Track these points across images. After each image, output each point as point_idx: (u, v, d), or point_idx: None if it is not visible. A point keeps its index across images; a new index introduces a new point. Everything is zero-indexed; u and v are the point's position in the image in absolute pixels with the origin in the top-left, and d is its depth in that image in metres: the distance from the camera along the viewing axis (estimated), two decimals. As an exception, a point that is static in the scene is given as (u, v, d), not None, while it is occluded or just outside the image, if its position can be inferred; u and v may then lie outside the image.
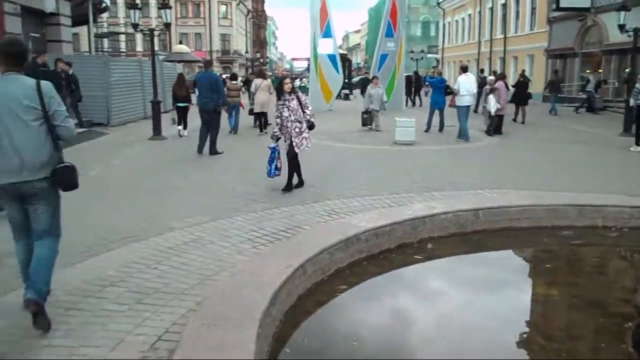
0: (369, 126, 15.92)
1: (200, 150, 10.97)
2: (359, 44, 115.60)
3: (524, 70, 24.08)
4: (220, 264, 4.67)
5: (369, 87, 16.97)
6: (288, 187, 7.58)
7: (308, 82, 50.59)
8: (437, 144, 13.06)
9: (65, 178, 3.67)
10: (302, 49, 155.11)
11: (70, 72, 13.61)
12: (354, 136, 14.46)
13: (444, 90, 15.84)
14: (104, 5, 24.31)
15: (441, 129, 15.35)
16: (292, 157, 7.61)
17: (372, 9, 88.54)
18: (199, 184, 8.26)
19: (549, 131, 16.06)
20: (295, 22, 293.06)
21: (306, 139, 7.65)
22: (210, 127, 10.93)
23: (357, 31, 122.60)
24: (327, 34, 23.96)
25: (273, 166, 7.56)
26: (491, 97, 13.95)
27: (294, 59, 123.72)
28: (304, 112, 7.61)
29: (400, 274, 5.30)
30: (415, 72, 31.29)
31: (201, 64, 49.50)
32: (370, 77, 23.46)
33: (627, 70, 21.71)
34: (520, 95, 17.86)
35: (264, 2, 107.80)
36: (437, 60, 52.14)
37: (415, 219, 5.82)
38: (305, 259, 4.49)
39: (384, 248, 5.45)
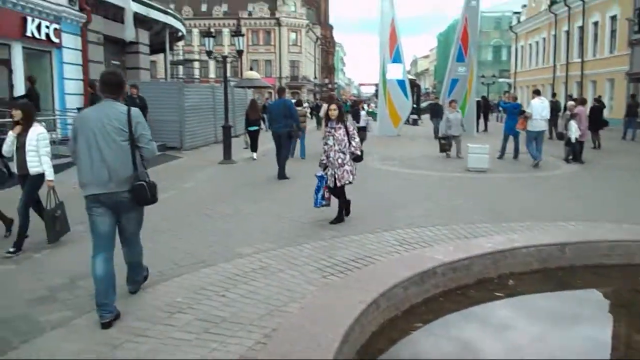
0: (448, 152, 15.34)
1: (280, 176, 11.12)
2: (427, 69, 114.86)
3: (599, 96, 22.90)
4: (290, 294, 4.51)
5: (446, 111, 16.46)
6: (337, 219, 7.17)
7: (376, 107, 51.20)
8: (512, 172, 12.51)
9: (143, 195, 4.15)
10: (370, 74, 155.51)
11: (135, 95, 14.00)
12: (425, 162, 14.11)
13: (518, 116, 15.29)
14: (180, 34, 25.35)
15: (516, 155, 14.75)
16: (333, 189, 7.18)
17: (442, 34, 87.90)
18: (267, 209, 8.20)
19: (631, 158, 15.12)
20: (364, 48, 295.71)
21: (348, 172, 7.10)
22: (281, 150, 11.28)
23: (426, 56, 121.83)
24: (396, 59, 23.82)
25: (319, 195, 7.10)
26: (572, 123, 13.27)
27: (361, 84, 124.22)
28: (349, 142, 7.13)
29: (479, 312, 4.94)
30: (484, 97, 30.47)
31: (271, 90, 50.78)
32: (442, 101, 23.09)
33: None
34: (595, 120, 16.95)
35: (332, 28, 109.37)
36: (509, 85, 50.79)
37: (494, 253, 5.45)
38: (378, 294, 4.25)
39: (461, 283, 5.11)
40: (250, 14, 67.84)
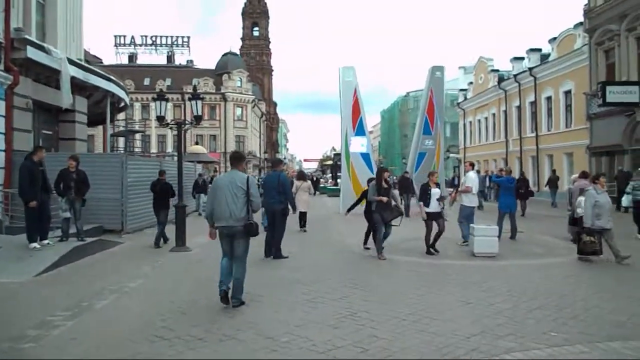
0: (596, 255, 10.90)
1: (268, 254, 10.40)
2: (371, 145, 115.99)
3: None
4: None
5: (591, 190, 10.71)
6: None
7: (327, 182, 49.68)
8: (523, 257, 10.58)
9: (251, 229, 6.54)
10: (311, 150, 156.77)
11: (73, 169, 11.51)
12: (415, 245, 12.06)
13: (514, 191, 13.75)
14: (123, 103, 23.03)
15: (513, 235, 13.03)
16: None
17: (385, 111, 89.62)
18: (257, 326, 5.80)
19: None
20: (305, 125, 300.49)
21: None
22: (275, 229, 10.43)
23: (369, 132, 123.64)
24: (360, 131, 22.34)
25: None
26: (583, 200, 11.67)
27: (305, 160, 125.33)
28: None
29: None
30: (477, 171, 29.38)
31: (216, 165, 48.47)
32: (412, 175, 21.53)
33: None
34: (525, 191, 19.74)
35: (276, 105, 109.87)
36: (459, 160, 50.80)
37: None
38: None
39: None
40: (194, 88, 66.00)
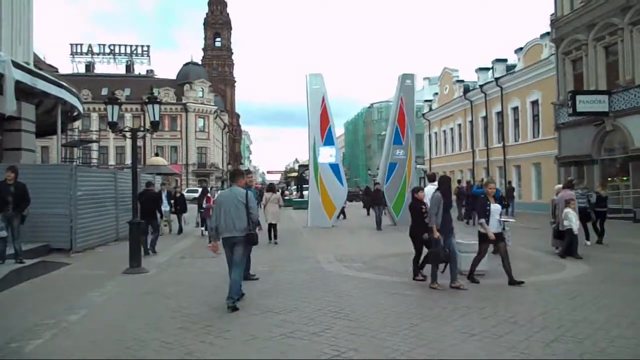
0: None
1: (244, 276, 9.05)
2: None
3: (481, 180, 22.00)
4: None
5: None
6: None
7: (292, 193, 48.53)
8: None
9: (251, 239, 7.25)
10: (275, 162, 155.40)
11: (11, 181, 10.24)
12: (395, 263, 11.13)
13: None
14: (76, 112, 21.53)
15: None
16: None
17: (349, 122, 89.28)
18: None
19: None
20: (269, 137, 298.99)
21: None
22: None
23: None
24: (328, 141, 21.39)
25: None
26: (570, 212, 11.01)
27: (269, 172, 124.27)
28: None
29: None
30: (468, 182, 28.39)
31: (177, 178, 46.66)
32: (383, 187, 20.69)
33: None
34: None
35: (239, 116, 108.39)
36: (424, 171, 50.45)
37: None
38: None
39: None
40: (151, 91, 63.98)
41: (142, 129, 10.76)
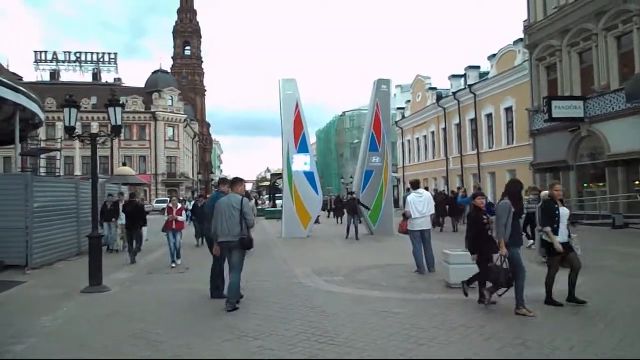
0: None
1: (216, 294, 8.30)
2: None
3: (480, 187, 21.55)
4: None
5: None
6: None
7: (264, 204, 47.59)
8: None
9: (244, 243, 7.62)
10: (246, 172, 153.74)
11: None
12: (378, 276, 10.46)
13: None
14: (37, 120, 20.41)
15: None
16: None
17: (321, 131, 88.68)
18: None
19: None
20: (240, 146, 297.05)
21: None
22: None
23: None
24: (303, 148, 20.71)
25: None
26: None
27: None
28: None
29: None
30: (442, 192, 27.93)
31: (146, 188, 45.21)
32: (358, 196, 20.07)
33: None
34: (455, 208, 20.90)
35: (209, 126, 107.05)
36: (397, 180, 50.15)
37: None
38: None
39: None
40: (112, 93, 62.36)
41: (102, 133, 9.87)
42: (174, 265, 12.48)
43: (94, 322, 7.19)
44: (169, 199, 13.93)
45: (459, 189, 26.29)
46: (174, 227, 12.80)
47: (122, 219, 15.02)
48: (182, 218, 13.22)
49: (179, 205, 13.56)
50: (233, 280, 7.55)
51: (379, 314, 7.10)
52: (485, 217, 7.80)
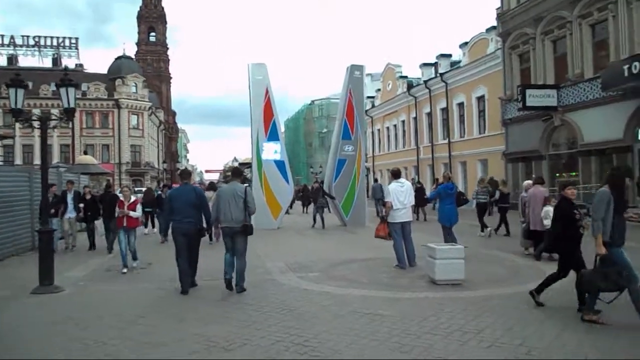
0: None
1: (186, 288, 8.11)
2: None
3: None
4: None
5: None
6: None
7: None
8: (493, 283, 8.53)
9: (247, 229, 8.06)
10: (213, 161, 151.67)
11: None
12: (358, 271, 9.81)
13: (455, 200, 11.83)
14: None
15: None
16: None
17: (290, 119, 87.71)
18: None
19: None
20: (206, 135, 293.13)
21: None
22: (190, 254, 8.43)
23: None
24: (273, 136, 19.90)
25: None
26: (550, 210, 10.00)
27: (207, 171, 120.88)
28: None
29: None
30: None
31: (109, 178, 43.60)
32: (328, 186, 19.45)
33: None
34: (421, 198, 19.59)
35: (175, 114, 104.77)
36: (368, 169, 49.67)
37: None
38: None
39: None
40: (84, 94, 60.58)
41: (53, 117, 8.88)
42: (125, 270, 10.27)
43: (40, 331, 6.29)
44: (125, 189, 11.65)
45: (436, 179, 26.05)
46: (124, 224, 10.58)
47: (71, 211, 13.89)
48: (136, 213, 10.82)
49: (132, 198, 11.08)
50: (239, 268, 8.03)
51: (364, 317, 6.41)
52: (576, 211, 6.61)
